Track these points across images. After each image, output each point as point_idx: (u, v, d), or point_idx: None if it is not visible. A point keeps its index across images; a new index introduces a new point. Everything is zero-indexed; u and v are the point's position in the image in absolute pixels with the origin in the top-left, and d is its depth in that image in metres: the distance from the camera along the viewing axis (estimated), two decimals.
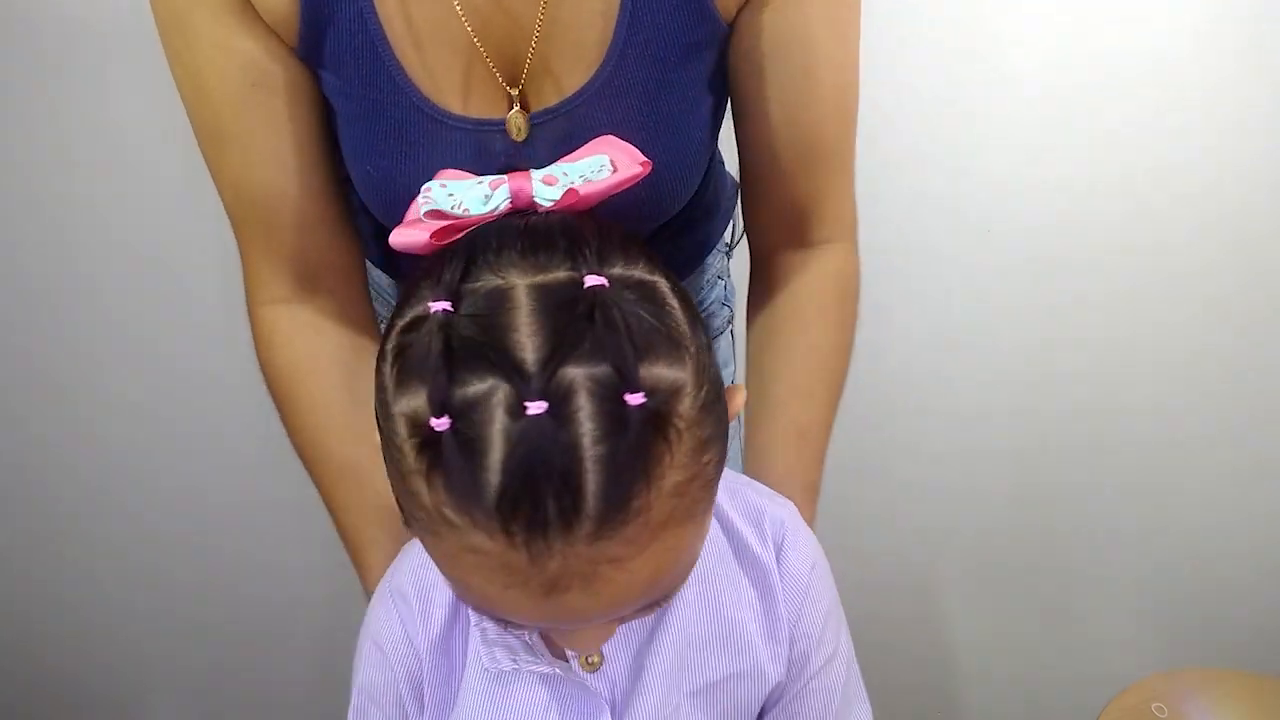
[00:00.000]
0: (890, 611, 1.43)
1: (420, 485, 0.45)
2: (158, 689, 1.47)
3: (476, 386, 0.43)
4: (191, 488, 1.32)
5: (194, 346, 1.25)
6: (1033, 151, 1.14)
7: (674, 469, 0.44)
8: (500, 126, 0.66)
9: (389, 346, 0.48)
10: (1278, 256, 1.17)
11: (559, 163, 0.54)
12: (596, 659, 0.60)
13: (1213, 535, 1.32)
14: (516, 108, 0.66)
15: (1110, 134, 1.12)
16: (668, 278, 0.50)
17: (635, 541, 0.44)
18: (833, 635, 0.66)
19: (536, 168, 0.53)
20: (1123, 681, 1.04)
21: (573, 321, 0.44)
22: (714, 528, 0.61)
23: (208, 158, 0.68)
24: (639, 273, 0.48)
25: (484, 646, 0.59)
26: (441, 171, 0.55)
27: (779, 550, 0.63)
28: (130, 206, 1.17)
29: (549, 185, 0.51)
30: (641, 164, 0.53)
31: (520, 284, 0.46)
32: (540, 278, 0.46)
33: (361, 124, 0.66)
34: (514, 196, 0.50)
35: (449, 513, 0.44)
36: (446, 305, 0.45)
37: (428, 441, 0.44)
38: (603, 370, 0.43)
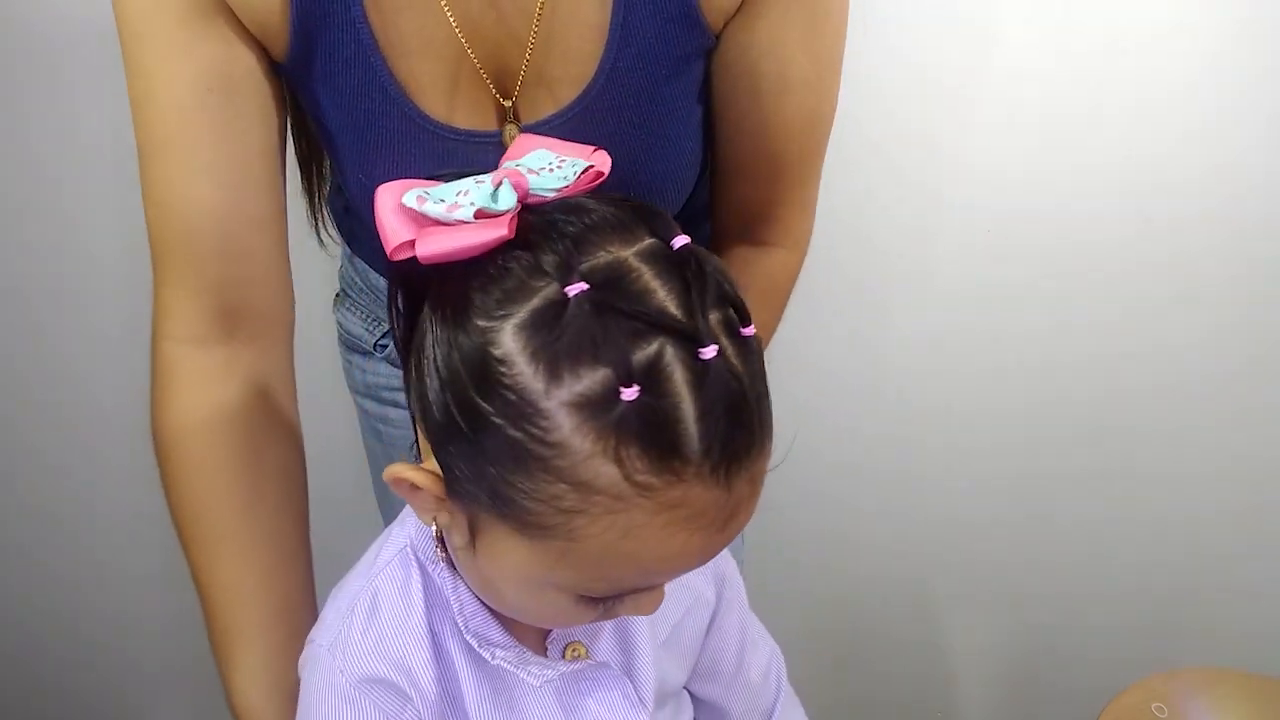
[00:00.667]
0: (889, 610, 1.44)
1: (600, 467, 0.45)
2: (155, 690, 1.47)
3: (648, 349, 0.45)
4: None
5: None
6: (1032, 151, 1.14)
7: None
8: (492, 138, 0.67)
9: (510, 348, 0.46)
10: (1278, 256, 1.17)
11: (506, 159, 0.54)
12: (582, 653, 0.62)
13: (1213, 535, 1.32)
14: (511, 120, 0.66)
15: (1110, 133, 1.12)
16: None
17: (766, 455, 0.49)
18: (734, 560, 0.72)
19: None
20: (1123, 681, 1.04)
21: (690, 276, 0.47)
22: None
23: (142, 170, 0.64)
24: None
25: (516, 671, 0.59)
26: (382, 187, 0.52)
27: None
28: (113, 209, 1.16)
29: (535, 176, 0.51)
30: (594, 150, 0.54)
31: (628, 254, 0.47)
32: (639, 245, 0.48)
33: (353, 135, 0.66)
34: (517, 189, 0.50)
35: (644, 479, 0.45)
36: (582, 285, 0.45)
37: (614, 417, 0.44)
38: (727, 311, 0.48)
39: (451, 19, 0.62)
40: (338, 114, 0.66)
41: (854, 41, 1.05)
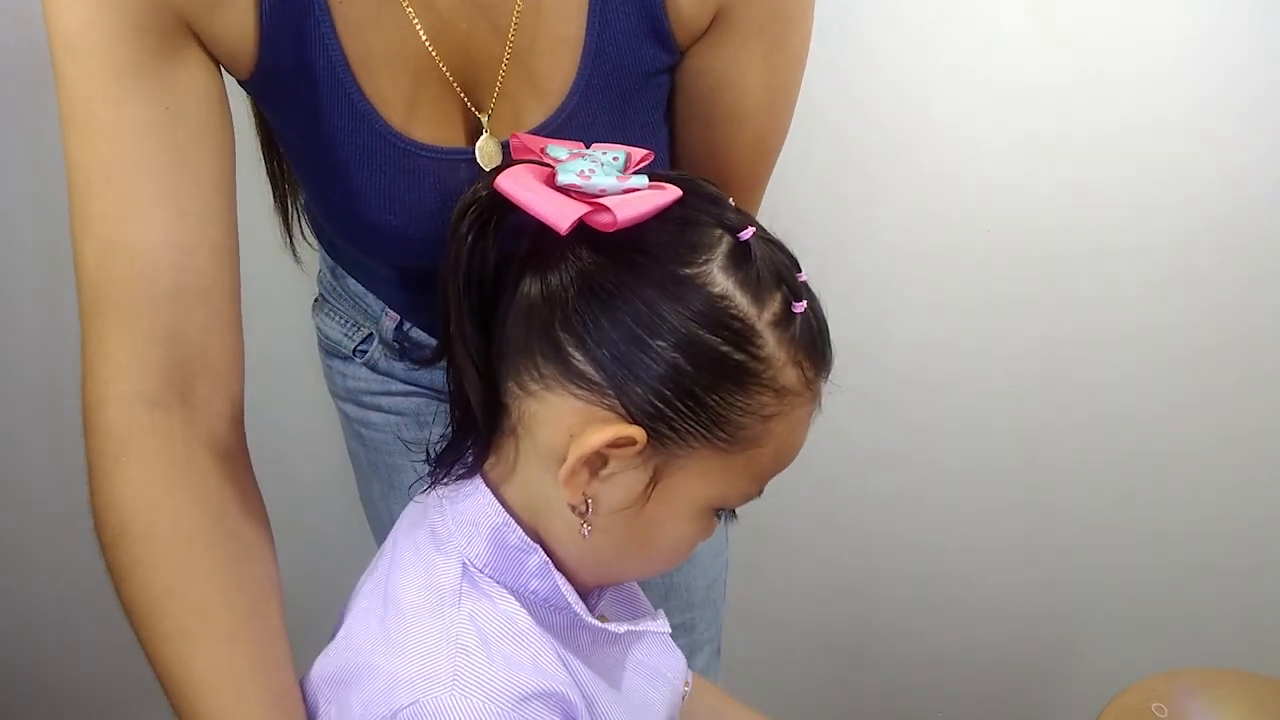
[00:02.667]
0: (889, 610, 1.43)
1: (791, 372, 0.54)
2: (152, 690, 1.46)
3: (800, 275, 0.56)
4: None
5: None
6: (1032, 152, 1.14)
7: None
8: (464, 155, 0.66)
9: (726, 286, 0.53)
10: (1278, 256, 1.17)
11: (584, 152, 0.57)
12: (605, 619, 0.64)
13: (1213, 535, 1.32)
14: (487, 134, 0.66)
15: (1110, 134, 1.12)
16: None
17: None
18: None
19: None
20: (1123, 681, 1.04)
21: (777, 249, 0.56)
22: None
23: (78, 203, 0.57)
24: None
25: (621, 625, 0.62)
26: (505, 174, 0.53)
27: None
28: None
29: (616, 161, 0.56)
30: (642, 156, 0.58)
31: (727, 239, 0.55)
32: (734, 226, 0.55)
33: (323, 152, 0.65)
34: (628, 160, 0.56)
35: (811, 376, 0.56)
36: (751, 229, 0.54)
37: (794, 329, 0.54)
38: (795, 273, 0.56)
39: (424, 36, 0.62)
40: (306, 131, 0.65)
41: (848, 44, 1.06)
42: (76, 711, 1.47)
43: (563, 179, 0.53)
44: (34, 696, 1.46)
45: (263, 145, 0.74)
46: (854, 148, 1.14)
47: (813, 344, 0.56)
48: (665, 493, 0.56)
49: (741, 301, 0.53)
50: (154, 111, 0.57)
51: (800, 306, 0.55)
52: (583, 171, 0.53)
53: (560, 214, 0.51)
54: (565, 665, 0.57)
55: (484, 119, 0.66)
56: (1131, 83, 1.10)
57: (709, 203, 0.55)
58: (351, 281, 0.85)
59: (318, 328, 0.91)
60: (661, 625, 0.64)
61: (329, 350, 0.90)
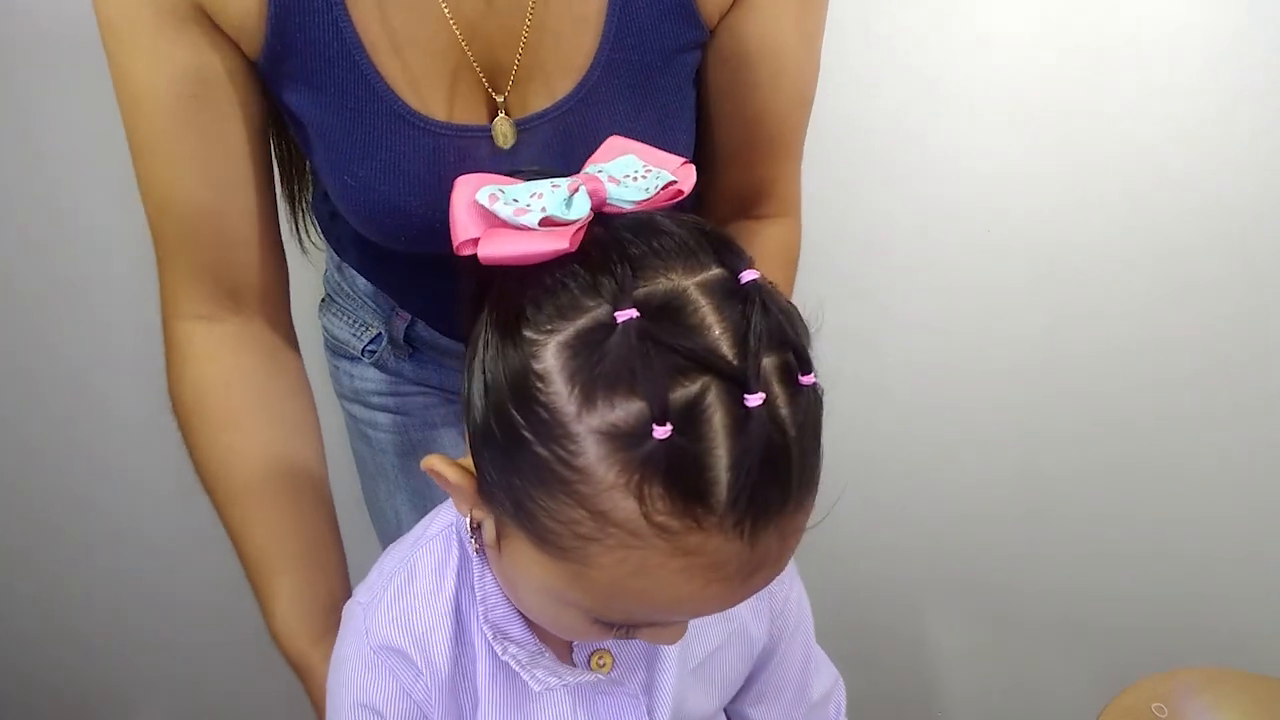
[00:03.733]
0: (889, 611, 1.43)
1: (620, 500, 0.44)
2: (154, 689, 1.47)
3: (690, 388, 0.43)
4: (186, 488, 1.32)
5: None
6: (1032, 151, 1.14)
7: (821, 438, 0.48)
8: (485, 133, 0.66)
9: (550, 365, 0.45)
10: (1277, 253, 1.17)
11: (592, 163, 0.53)
12: (608, 662, 0.61)
13: (1213, 535, 1.32)
14: (502, 114, 0.65)
15: (1110, 134, 1.12)
16: None
17: (807, 510, 0.47)
18: (799, 590, 0.70)
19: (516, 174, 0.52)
20: (1123, 681, 1.04)
21: (753, 314, 0.45)
22: None
23: (136, 168, 0.67)
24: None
25: (520, 671, 0.58)
26: (461, 179, 0.52)
27: None
28: (120, 207, 1.17)
29: (616, 185, 0.50)
30: (682, 163, 0.53)
31: (690, 284, 0.46)
32: (703, 277, 0.46)
33: (338, 134, 0.66)
34: (593, 198, 0.49)
35: (664, 520, 0.44)
36: (633, 312, 0.44)
37: (641, 452, 0.43)
38: (787, 356, 0.46)
39: (447, 11, 0.62)
40: (320, 113, 0.65)
41: (853, 42, 1.06)
42: (77, 712, 1.48)
43: (494, 205, 0.49)
44: (35, 697, 1.47)
45: (273, 132, 0.74)
46: (853, 148, 1.14)
47: (679, 483, 0.43)
48: (511, 555, 0.52)
49: (560, 391, 0.44)
50: (181, 97, 0.63)
51: (661, 431, 0.42)
52: (530, 197, 0.49)
53: (459, 233, 0.49)
54: (459, 651, 0.59)
55: (500, 98, 0.65)
56: (1134, 83, 1.10)
57: (638, 266, 0.46)
58: (360, 281, 0.85)
59: (325, 328, 0.91)
60: (595, 678, 0.60)
61: (336, 351, 0.90)
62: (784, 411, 0.45)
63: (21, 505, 1.34)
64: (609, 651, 0.61)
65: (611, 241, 0.47)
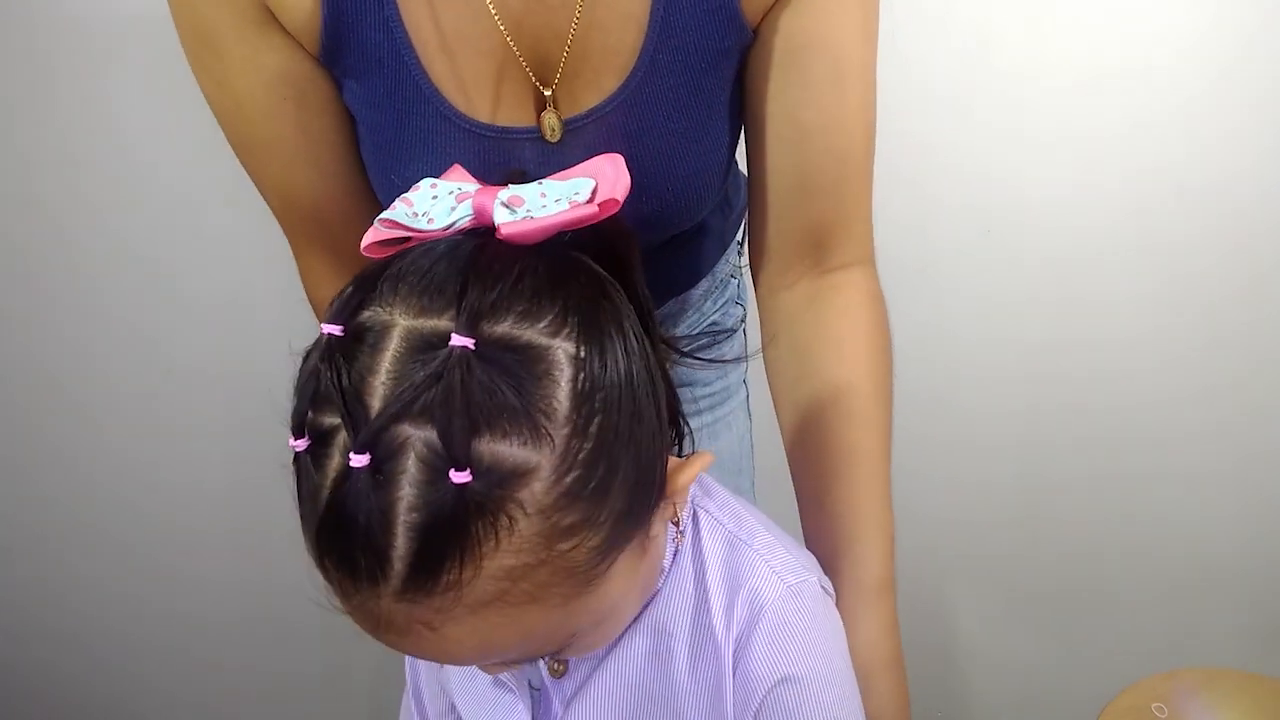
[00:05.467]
0: None
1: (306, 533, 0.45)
2: (156, 687, 1.47)
3: (329, 419, 0.43)
4: (193, 484, 1.32)
5: (196, 345, 1.25)
6: (1033, 151, 1.14)
7: (502, 554, 0.42)
8: (529, 135, 0.66)
9: (310, 362, 0.45)
10: (1278, 255, 1.17)
11: (546, 179, 0.50)
12: (561, 667, 0.59)
13: (1213, 535, 1.32)
14: (550, 108, 0.65)
15: (1110, 133, 1.12)
16: (596, 343, 0.45)
17: (446, 612, 0.42)
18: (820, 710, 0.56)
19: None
20: (1123, 681, 1.04)
21: (421, 379, 0.41)
22: (689, 578, 0.57)
23: (247, 166, 0.69)
24: (535, 335, 0.44)
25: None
26: (451, 169, 0.53)
27: (743, 639, 0.55)
28: (133, 207, 1.17)
29: (509, 209, 0.47)
30: (604, 203, 0.48)
31: (401, 324, 0.43)
32: (419, 321, 0.43)
33: (386, 132, 0.66)
34: (476, 213, 0.47)
35: (313, 553, 0.45)
36: (337, 330, 0.43)
37: (296, 454, 0.44)
38: (431, 436, 0.41)
39: (493, 9, 0.61)
40: (370, 112, 0.65)
41: None
42: (84, 710, 1.48)
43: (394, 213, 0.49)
44: (36, 695, 1.47)
45: None
46: None
47: (301, 494, 0.44)
48: None
49: (304, 390, 0.44)
50: (275, 101, 0.65)
51: (298, 444, 0.43)
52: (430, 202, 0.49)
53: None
54: None
55: (547, 93, 0.65)
56: (1133, 83, 1.10)
57: (381, 287, 0.44)
58: None
59: None
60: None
61: None
62: (401, 491, 0.41)
63: (30, 499, 1.34)
64: (564, 660, 0.59)
65: (397, 258, 0.46)
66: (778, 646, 0.55)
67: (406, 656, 0.69)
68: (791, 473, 0.70)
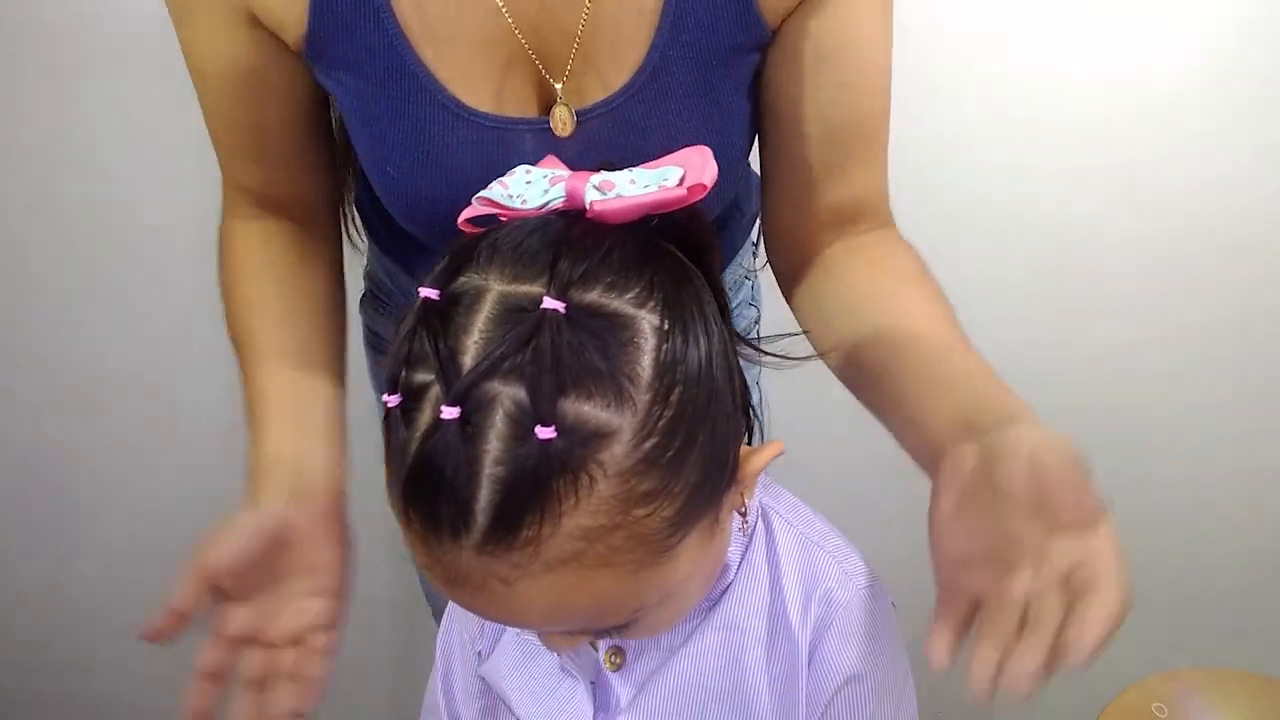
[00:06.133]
0: None
1: (394, 492, 0.46)
2: (157, 687, 1.47)
3: (421, 376, 0.44)
4: (196, 483, 1.32)
5: (197, 344, 1.25)
6: (1033, 151, 1.14)
7: (581, 513, 0.43)
8: (530, 126, 0.65)
9: (406, 324, 0.47)
10: (1278, 255, 1.17)
11: (636, 168, 0.51)
12: (619, 659, 0.60)
13: (1213, 535, 1.32)
14: (560, 101, 0.65)
15: (1110, 133, 1.12)
16: (679, 319, 0.46)
17: (523, 568, 0.43)
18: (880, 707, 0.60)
19: (571, 168, 0.52)
20: (1123, 681, 1.04)
21: (513, 339, 0.43)
22: (764, 576, 0.60)
23: (201, 104, 0.71)
24: (622, 304, 0.45)
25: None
26: (545, 159, 0.54)
27: (818, 635, 0.59)
28: (135, 202, 1.17)
29: (600, 191, 0.48)
30: (692, 187, 0.50)
31: (495, 289, 0.45)
32: (512, 287, 0.45)
33: (379, 124, 0.66)
34: (569, 196, 0.49)
35: (403, 513, 0.46)
36: (434, 293, 0.45)
37: (388, 415, 0.45)
38: (520, 395, 0.42)
39: (502, 4, 0.61)
40: (362, 103, 0.65)
41: None
42: (87, 708, 1.48)
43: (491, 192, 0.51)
44: (37, 694, 1.47)
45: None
46: None
47: (391, 464, 0.45)
48: None
49: (399, 351, 0.46)
50: (229, 81, 0.67)
51: (391, 400, 0.45)
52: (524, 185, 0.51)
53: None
54: None
55: (559, 86, 0.64)
56: (1134, 83, 1.10)
57: (479, 256, 0.47)
58: (404, 277, 0.84)
59: (365, 325, 0.90)
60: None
61: (375, 346, 0.90)
62: (489, 445, 0.42)
63: (33, 498, 1.34)
64: (622, 652, 0.60)
65: (491, 232, 0.48)
66: (852, 644, 0.58)
67: (439, 650, 0.70)
68: (871, 380, 0.67)
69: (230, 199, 0.75)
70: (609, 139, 0.65)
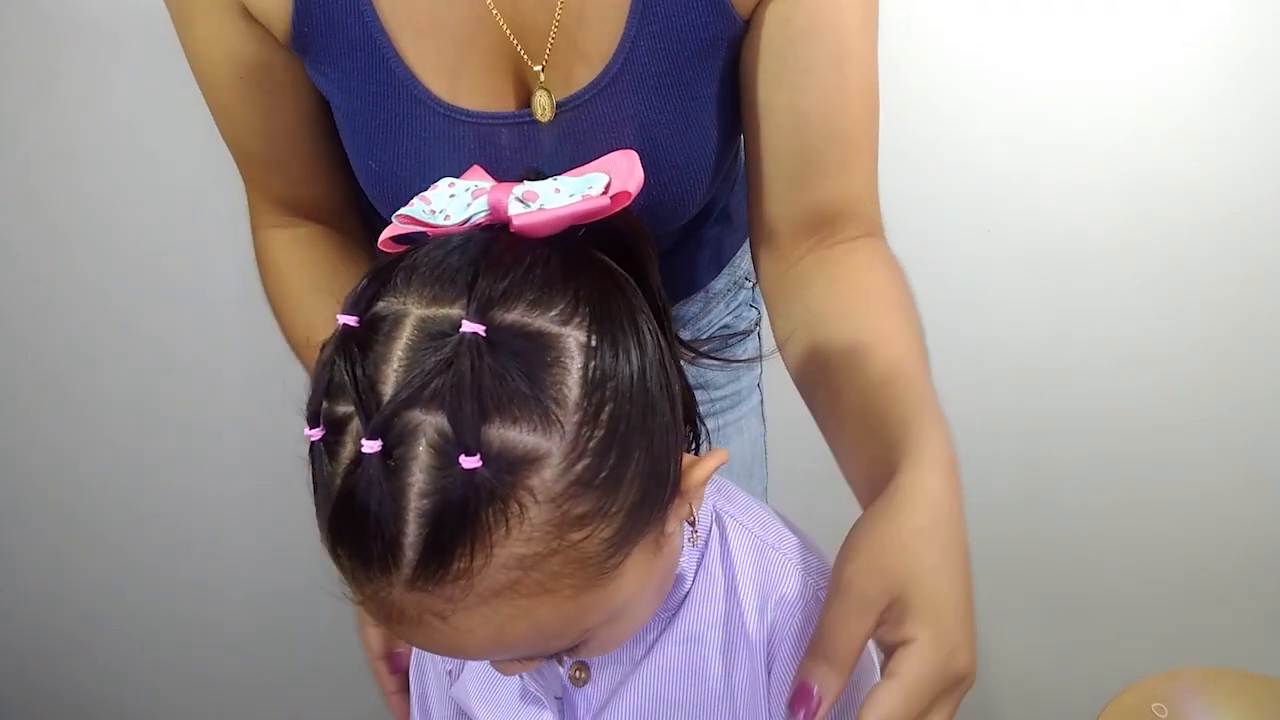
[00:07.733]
0: None
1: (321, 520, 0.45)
2: (157, 688, 1.47)
3: (342, 408, 0.43)
4: (195, 484, 1.32)
5: (199, 343, 1.25)
6: (1033, 151, 1.14)
7: (513, 542, 0.41)
8: (505, 120, 0.65)
9: (326, 353, 0.46)
10: (1277, 255, 1.17)
11: (561, 176, 0.49)
12: (583, 675, 0.58)
13: (1213, 534, 1.32)
14: (540, 90, 0.64)
15: (1110, 133, 1.12)
16: (608, 333, 0.45)
17: (457, 601, 0.42)
18: None
19: (543, 162, 0.51)
20: (1123, 681, 1.04)
21: (432, 366, 0.41)
22: (719, 584, 0.58)
23: (213, 115, 0.72)
24: (546, 323, 0.43)
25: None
26: (470, 170, 0.52)
27: (776, 641, 0.57)
28: (135, 204, 1.17)
29: (524, 203, 0.46)
30: (616, 195, 0.47)
31: (414, 313, 0.43)
32: (431, 310, 0.43)
33: (361, 118, 0.66)
34: (491, 209, 0.47)
35: (328, 546, 0.44)
36: (352, 319, 0.44)
37: (310, 444, 0.44)
38: (444, 423, 0.41)
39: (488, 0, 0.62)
40: (345, 97, 0.66)
41: None
42: (88, 707, 1.48)
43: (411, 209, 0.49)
44: (38, 693, 1.47)
45: None
46: None
47: (315, 483, 0.44)
48: None
49: (319, 381, 0.44)
50: (232, 79, 0.68)
51: (313, 433, 0.43)
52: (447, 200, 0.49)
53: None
54: None
55: (539, 71, 0.64)
56: (1134, 84, 1.10)
57: (395, 278, 0.45)
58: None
59: None
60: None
61: None
62: (413, 477, 0.41)
63: (32, 499, 1.34)
64: (586, 668, 0.59)
65: (410, 252, 0.46)
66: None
67: (413, 670, 0.69)
68: (815, 403, 0.67)
69: (257, 210, 0.76)
70: (586, 129, 0.65)
